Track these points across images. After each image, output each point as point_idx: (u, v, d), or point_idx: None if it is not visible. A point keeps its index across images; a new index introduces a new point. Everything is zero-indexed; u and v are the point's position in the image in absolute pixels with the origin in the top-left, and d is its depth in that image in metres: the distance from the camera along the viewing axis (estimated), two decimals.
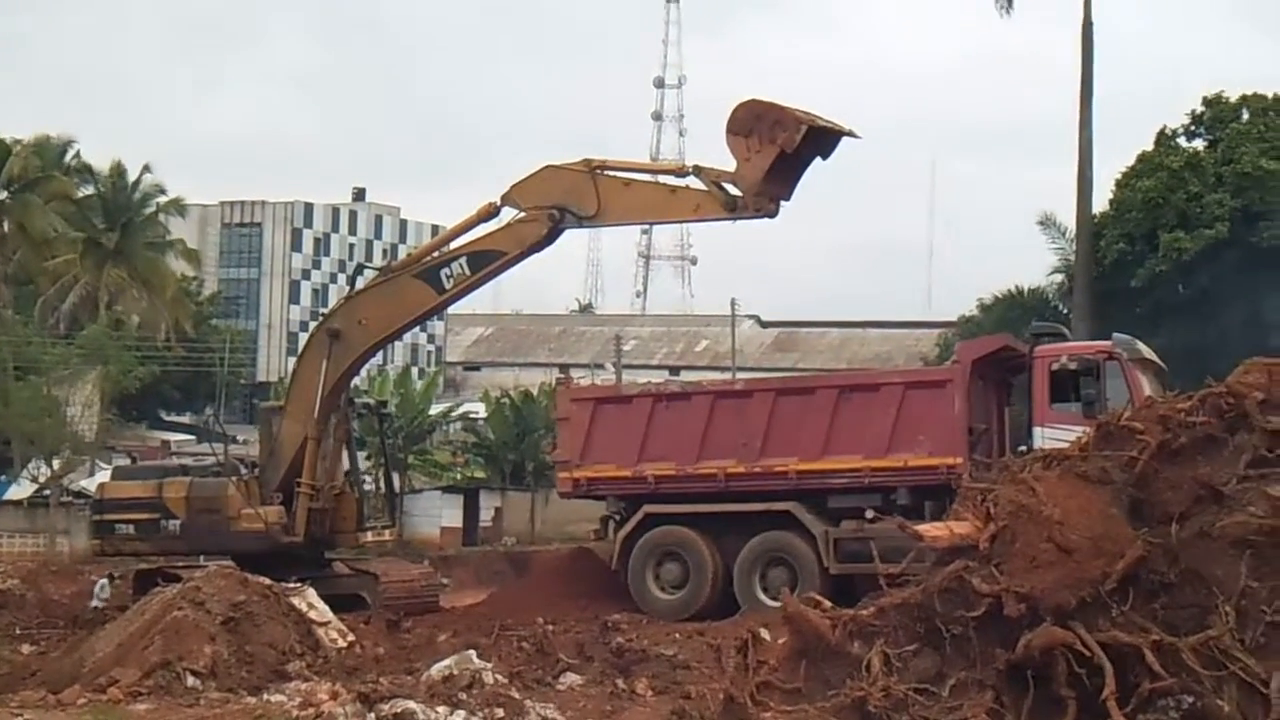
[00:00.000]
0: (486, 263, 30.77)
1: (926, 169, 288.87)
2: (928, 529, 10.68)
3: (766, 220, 28.65)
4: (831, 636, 10.18)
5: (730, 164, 28.18)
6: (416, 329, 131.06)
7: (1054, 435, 26.22)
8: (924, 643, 10.06)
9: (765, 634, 11.14)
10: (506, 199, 30.34)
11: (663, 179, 30.37)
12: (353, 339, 31.81)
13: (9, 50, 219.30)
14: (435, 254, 32.29)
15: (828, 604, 10.62)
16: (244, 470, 33.99)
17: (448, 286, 31.07)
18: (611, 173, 30.28)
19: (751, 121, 27.85)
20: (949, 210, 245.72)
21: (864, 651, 10.04)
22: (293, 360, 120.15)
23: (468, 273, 30.83)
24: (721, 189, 28.63)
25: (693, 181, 29.26)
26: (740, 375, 68.16)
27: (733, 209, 28.61)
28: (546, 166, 30.32)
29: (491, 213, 30.57)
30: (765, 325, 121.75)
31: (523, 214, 30.17)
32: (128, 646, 21.30)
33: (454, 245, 31.60)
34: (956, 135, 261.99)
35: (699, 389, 33.58)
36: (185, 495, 32.61)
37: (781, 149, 27.46)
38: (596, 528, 33.51)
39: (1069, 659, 9.68)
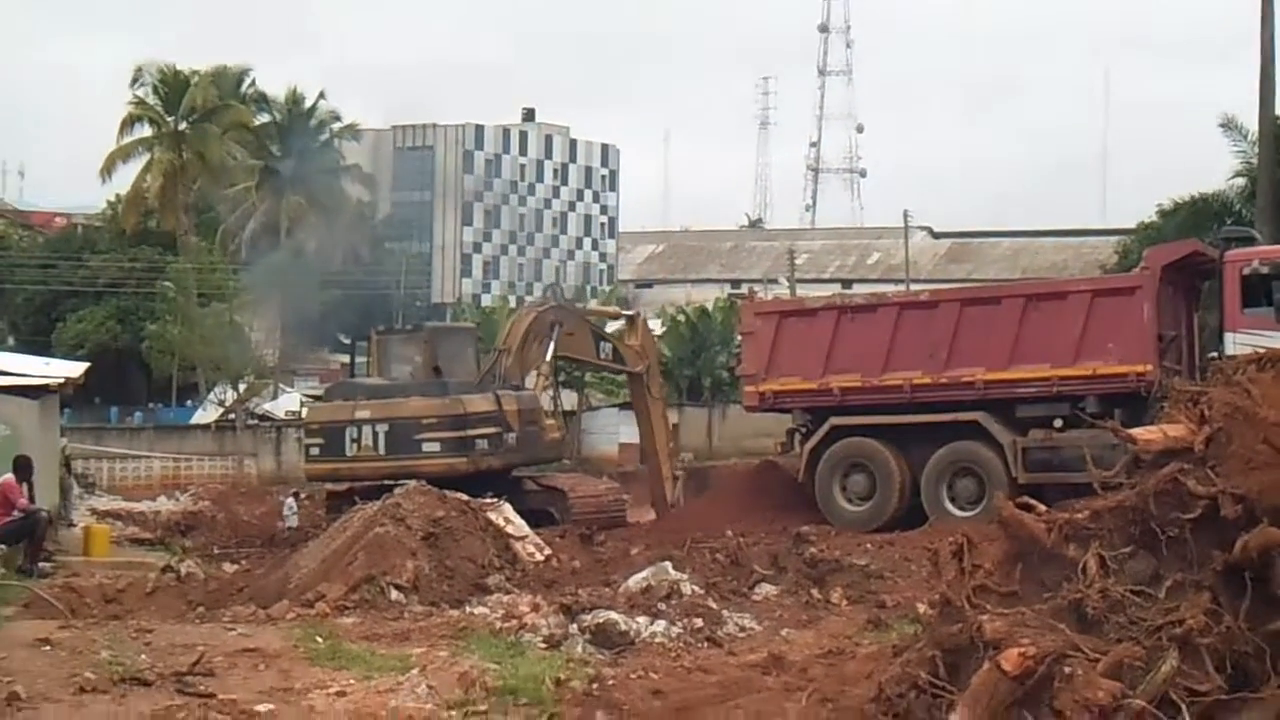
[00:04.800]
0: None
1: (1100, 73, 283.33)
2: (1141, 433, 10.66)
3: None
4: (1047, 540, 10.21)
5: None
6: (590, 246, 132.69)
7: (1245, 340, 25.81)
8: (1139, 545, 10.05)
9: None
10: None
11: None
12: None
13: None
14: None
15: (1042, 508, 10.65)
16: None
17: None
18: None
19: None
20: (1124, 115, 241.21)
21: (1080, 555, 10.04)
22: (466, 282, 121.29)
23: None
24: None
25: None
26: (914, 287, 67.77)
27: None
28: None
29: None
30: (938, 236, 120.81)
31: None
32: (331, 563, 21.72)
33: None
34: (1131, 37, 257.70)
35: (884, 300, 33.60)
36: (518, 409, 33.56)
37: None
38: (783, 440, 33.67)
39: None
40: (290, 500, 37.85)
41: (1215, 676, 9.38)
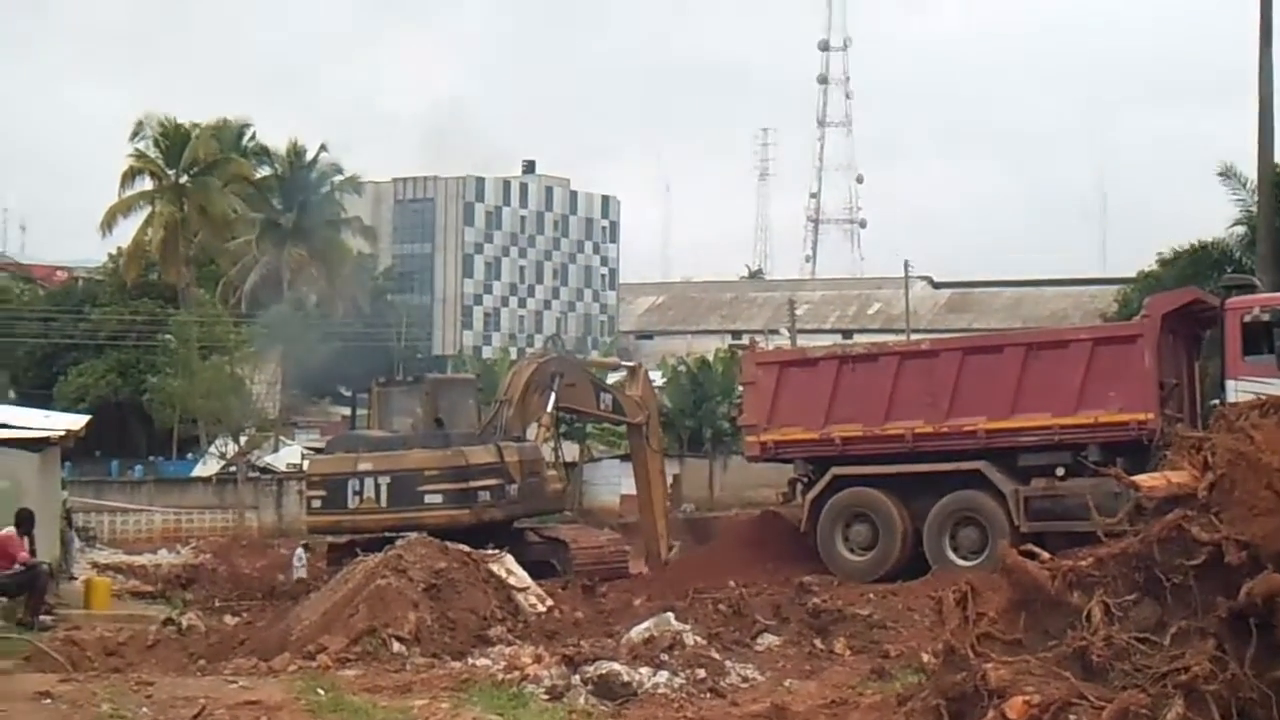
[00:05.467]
0: None
1: (1097, 121, 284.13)
2: (1144, 479, 10.69)
3: None
4: (1051, 587, 10.21)
5: None
6: (590, 298, 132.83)
7: (1247, 388, 25.77)
8: (1144, 592, 10.05)
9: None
10: None
11: None
12: None
13: (187, 34, 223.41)
14: None
15: (1045, 555, 10.64)
16: None
17: None
18: None
19: None
20: (1122, 164, 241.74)
21: (1084, 602, 10.05)
22: (467, 333, 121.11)
23: None
24: None
25: None
26: (915, 337, 67.79)
27: None
28: None
29: None
30: (938, 286, 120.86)
31: None
32: (333, 615, 21.68)
33: None
34: (1128, 85, 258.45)
35: (885, 350, 33.59)
36: (519, 460, 33.69)
37: None
38: (784, 490, 33.58)
39: None
40: (300, 552, 37.99)
41: None
